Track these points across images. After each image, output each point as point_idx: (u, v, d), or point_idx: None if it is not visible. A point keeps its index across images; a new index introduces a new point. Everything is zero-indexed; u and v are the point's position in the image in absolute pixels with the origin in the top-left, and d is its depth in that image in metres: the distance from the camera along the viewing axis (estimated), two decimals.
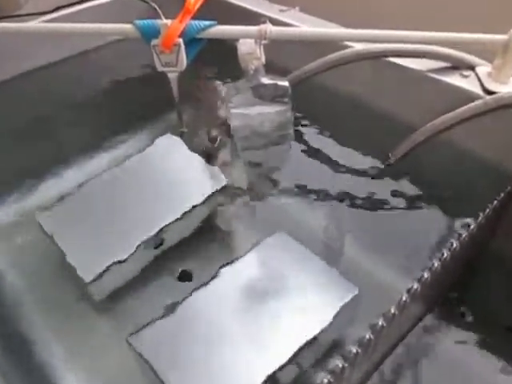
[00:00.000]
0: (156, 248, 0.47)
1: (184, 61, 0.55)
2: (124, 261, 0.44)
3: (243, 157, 0.59)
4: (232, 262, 0.42)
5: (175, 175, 0.53)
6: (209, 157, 0.59)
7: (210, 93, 0.70)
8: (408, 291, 0.42)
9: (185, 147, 0.57)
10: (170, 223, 0.48)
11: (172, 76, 0.57)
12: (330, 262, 0.43)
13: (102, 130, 0.62)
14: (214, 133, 0.62)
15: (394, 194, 0.53)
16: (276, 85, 0.57)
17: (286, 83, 0.57)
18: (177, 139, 0.57)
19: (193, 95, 0.69)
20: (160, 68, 0.56)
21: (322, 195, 0.53)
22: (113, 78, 0.72)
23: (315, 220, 0.51)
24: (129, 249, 0.45)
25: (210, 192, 0.51)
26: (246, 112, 0.56)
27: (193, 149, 0.56)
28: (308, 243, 0.44)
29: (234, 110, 0.57)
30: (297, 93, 0.58)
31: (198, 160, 0.55)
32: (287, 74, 0.62)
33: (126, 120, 0.64)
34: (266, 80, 0.56)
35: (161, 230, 0.47)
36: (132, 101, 0.68)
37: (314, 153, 0.60)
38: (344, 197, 0.53)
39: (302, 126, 0.63)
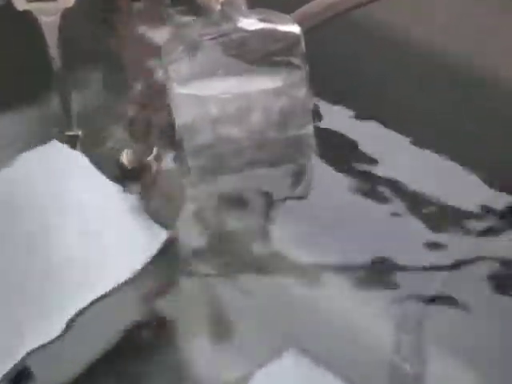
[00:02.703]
0: None
1: None
2: None
3: (203, 189, 0.56)
4: None
5: (60, 227, 0.51)
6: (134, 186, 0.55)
7: (132, 53, 0.66)
8: None
9: (85, 166, 0.53)
10: (44, 345, 0.46)
11: (47, 20, 0.54)
12: None
13: None
14: (141, 138, 0.58)
15: None
16: (274, 32, 0.53)
17: (295, 28, 0.53)
18: (65, 150, 0.54)
19: (96, 60, 0.65)
20: (21, 5, 0.53)
21: (375, 269, 0.51)
22: None
23: (362, 318, 0.48)
24: None
25: (136, 266, 0.49)
26: (205, 93, 0.53)
27: (99, 170, 0.52)
28: (349, 371, 0.43)
29: (179, 89, 0.53)
30: (317, 46, 0.53)
31: (109, 192, 0.52)
32: (295, 8, 0.57)
33: None
34: (249, 22, 0.53)
35: (26, 357, 0.45)
36: None
37: (358, 179, 0.56)
38: (419, 273, 0.50)
39: (327, 115, 0.59)
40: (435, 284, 0.51)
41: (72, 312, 0.49)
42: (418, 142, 0.59)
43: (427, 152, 0.59)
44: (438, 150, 0.59)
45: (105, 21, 0.71)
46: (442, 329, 0.49)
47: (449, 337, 0.48)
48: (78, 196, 0.54)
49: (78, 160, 0.56)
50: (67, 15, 0.55)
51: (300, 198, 0.58)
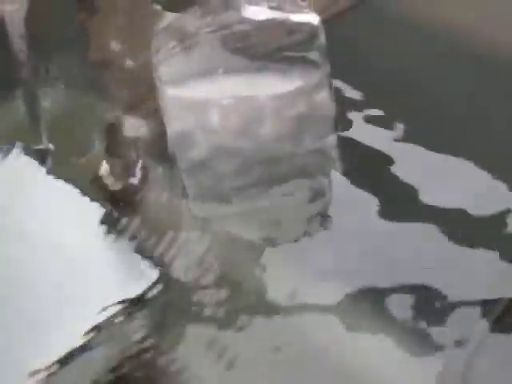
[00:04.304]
0: None
1: None
2: None
3: (201, 214, 0.54)
4: None
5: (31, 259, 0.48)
6: (115, 212, 0.53)
7: (116, 49, 0.64)
8: None
9: (53, 185, 0.53)
10: None
11: (11, 9, 0.54)
12: None
13: None
14: (124, 151, 0.57)
15: None
16: (287, 22, 0.52)
17: (313, 18, 0.52)
18: (32, 164, 0.55)
19: (70, 57, 0.63)
20: None
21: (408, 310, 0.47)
22: None
23: (390, 368, 0.45)
24: None
25: (120, 311, 0.46)
26: (203, 97, 0.52)
27: (77, 188, 0.52)
28: None
29: (171, 92, 0.52)
30: (341, 39, 0.54)
31: (87, 218, 0.51)
32: None
33: None
34: (256, 10, 0.52)
35: None
36: None
37: (388, 202, 0.53)
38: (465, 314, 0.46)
39: (353, 123, 0.58)
40: (481, 326, 0.46)
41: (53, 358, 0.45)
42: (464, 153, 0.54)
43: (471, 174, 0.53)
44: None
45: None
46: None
47: None
48: (34, 223, 0.52)
49: (43, 180, 0.55)
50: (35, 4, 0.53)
51: (317, 228, 0.54)
